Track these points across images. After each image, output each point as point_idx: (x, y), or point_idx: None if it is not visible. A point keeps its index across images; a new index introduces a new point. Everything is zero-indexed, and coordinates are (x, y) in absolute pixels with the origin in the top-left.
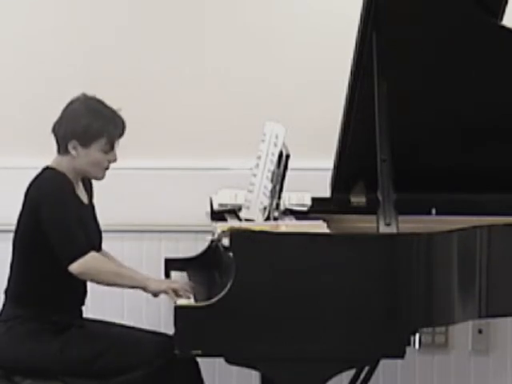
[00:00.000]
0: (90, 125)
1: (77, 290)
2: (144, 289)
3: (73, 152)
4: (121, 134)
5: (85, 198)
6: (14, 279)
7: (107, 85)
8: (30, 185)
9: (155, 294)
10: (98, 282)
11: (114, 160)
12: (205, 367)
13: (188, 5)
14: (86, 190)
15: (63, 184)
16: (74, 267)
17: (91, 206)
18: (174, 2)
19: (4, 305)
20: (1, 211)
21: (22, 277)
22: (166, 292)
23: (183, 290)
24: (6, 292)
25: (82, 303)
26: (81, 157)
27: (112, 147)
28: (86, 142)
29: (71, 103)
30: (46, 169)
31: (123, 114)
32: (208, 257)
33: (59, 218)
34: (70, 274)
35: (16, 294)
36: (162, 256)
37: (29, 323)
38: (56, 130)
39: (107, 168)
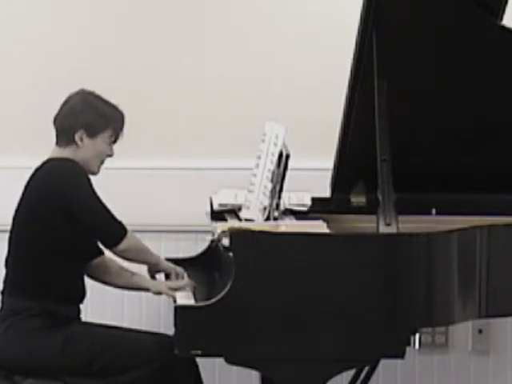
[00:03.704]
0: (98, 116)
1: (76, 284)
2: (158, 264)
3: (79, 142)
4: (122, 128)
5: None
6: (12, 273)
7: (107, 85)
8: (32, 177)
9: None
10: (135, 260)
11: (111, 155)
12: (205, 367)
13: (188, 5)
14: None
15: (79, 169)
16: (122, 246)
17: None
18: (175, 2)
19: (2, 305)
20: None
21: (22, 268)
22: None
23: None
24: (3, 291)
25: (81, 300)
26: (85, 147)
27: (116, 140)
28: (93, 133)
29: (72, 97)
30: (51, 160)
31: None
32: (208, 257)
33: (93, 200)
34: (70, 266)
35: (15, 286)
36: (162, 256)
37: (29, 319)
38: (60, 120)
39: (103, 162)
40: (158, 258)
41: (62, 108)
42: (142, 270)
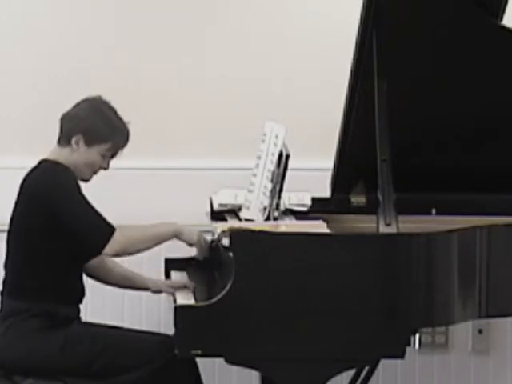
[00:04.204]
0: (101, 127)
1: (75, 284)
2: (178, 237)
3: (74, 146)
4: (123, 146)
5: None
6: (11, 274)
7: (107, 85)
8: (27, 177)
9: (156, 291)
10: (136, 252)
11: (106, 168)
12: (205, 367)
13: (188, 5)
14: None
15: (68, 174)
16: (108, 251)
17: None
18: (175, 2)
19: (1, 305)
20: None
21: (19, 270)
22: (198, 243)
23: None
24: (3, 292)
25: (80, 300)
26: (79, 153)
27: (113, 155)
28: (90, 142)
29: (86, 100)
30: (44, 161)
31: (124, 115)
32: (208, 257)
33: (76, 207)
34: (68, 267)
35: (14, 288)
36: (162, 256)
37: (28, 320)
38: (65, 120)
39: (96, 173)
40: (175, 231)
41: (71, 108)
42: (141, 269)
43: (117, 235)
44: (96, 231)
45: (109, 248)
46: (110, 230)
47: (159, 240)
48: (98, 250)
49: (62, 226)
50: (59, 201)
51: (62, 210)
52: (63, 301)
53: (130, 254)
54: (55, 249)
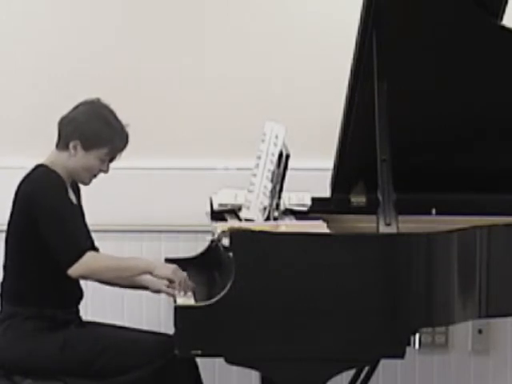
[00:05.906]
0: (99, 132)
1: (72, 287)
2: (151, 273)
3: (72, 151)
4: (122, 149)
5: (74, 198)
6: (9, 279)
7: (107, 85)
8: (22, 182)
9: (156, 291)
10: (103, 281)
11: (106, 171)
12: (205, 367)
13: (188, 5)
14: (73, 190)
15: (57, 182)
16: (73, 271)
17: (79, 207)
18: (175, 2)
19: (1, 306)
20: None
21: (16, 275)
22: (170, 280)
23: (181, 286)
24: (1, 294)
25: (78, 302)
26: (77, 158)
27: (112, 159)
28: (88, 146)
29: (85, 104)
30: (39, 166)
31: (124, 115)
32: (208, 257)
33: (54, 220)
34: (63, 271)
35: (12, 293)
36: (162, 256)
37: (27, 321)
38: (63, 124)
39: (95, 176)
40: (146, 268)
41: (70, 112)
42: None
43: (86, 258)
44: (64, 248)
45: (73, 269)
46: (79, 250)
47: (129, 273)
48: (63, 267)
49: (40, 235)
50: (40, 209)
51: (41, 219)
52: (61, 305)
53: (98, 280)
54: (47, 254)
